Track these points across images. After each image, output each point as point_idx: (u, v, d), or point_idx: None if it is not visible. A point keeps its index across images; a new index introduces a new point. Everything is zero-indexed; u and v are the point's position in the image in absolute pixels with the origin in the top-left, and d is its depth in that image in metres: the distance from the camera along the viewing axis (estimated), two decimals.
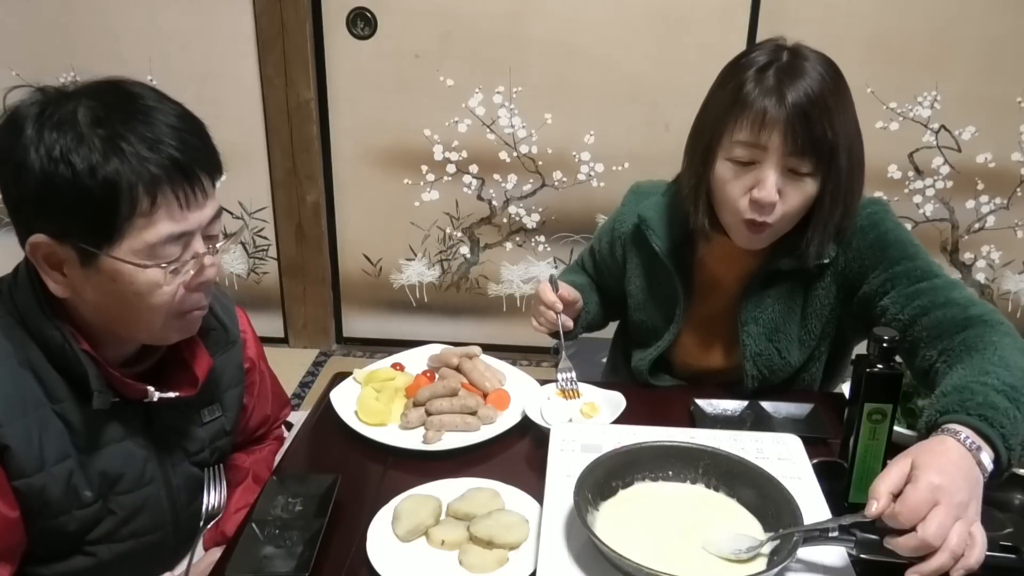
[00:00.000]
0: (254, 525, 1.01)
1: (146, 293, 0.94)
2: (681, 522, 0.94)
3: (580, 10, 2.53)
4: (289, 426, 1.42)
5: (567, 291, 1.39)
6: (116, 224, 0.90)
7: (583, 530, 0.87)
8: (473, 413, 1.25)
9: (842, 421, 1.13)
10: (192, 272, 0.97)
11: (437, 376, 1.37)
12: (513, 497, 1.07)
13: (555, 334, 1.38)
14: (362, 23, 2.59)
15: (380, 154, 2.76)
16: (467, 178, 2.77)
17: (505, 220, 2.82)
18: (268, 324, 2.97)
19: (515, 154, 2.72)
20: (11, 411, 0.95)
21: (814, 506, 0.95)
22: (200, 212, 0.96)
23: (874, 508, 0.83)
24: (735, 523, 0.94)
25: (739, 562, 0.88)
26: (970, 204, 2.69)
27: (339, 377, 1.37)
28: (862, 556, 0.87)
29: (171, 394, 1.06)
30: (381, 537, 1.01)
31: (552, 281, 1.39)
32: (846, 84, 1.21)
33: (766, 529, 0.93)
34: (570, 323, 1.40)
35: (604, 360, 1.72)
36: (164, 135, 0.92)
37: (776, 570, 0.84)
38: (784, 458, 1.04)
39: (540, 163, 2.73)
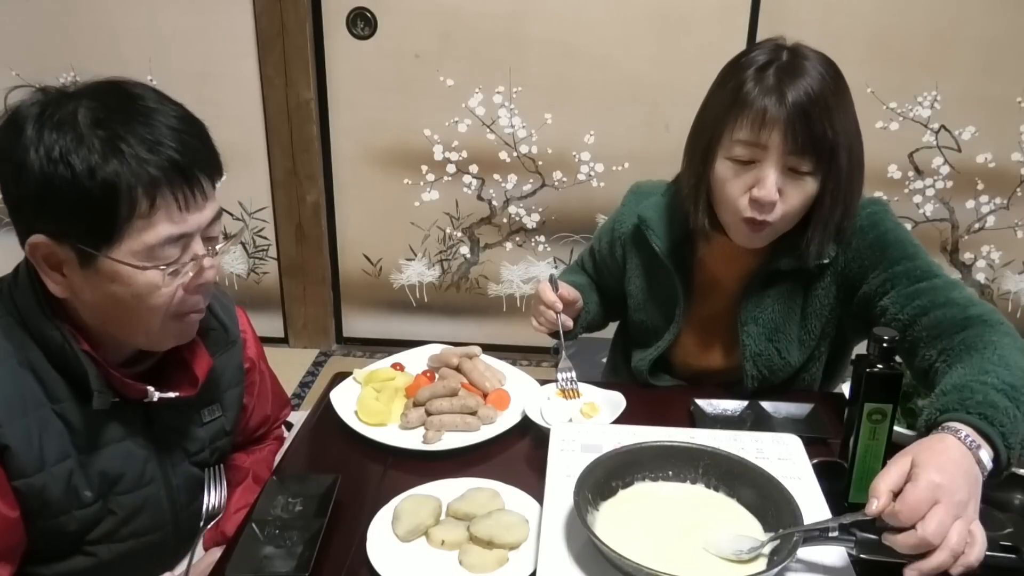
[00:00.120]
0: (254, 525, 1.01)
1: (145, 295, 0.94)
2: (681, 522, 0.94)
3: (580, 10, 2.53)
4: (289, 426, 1.42)
5: (567, 291, 1.39)
6: (115, 225, 0.90)
7: (583, 530, 0.87)
8: (473, 413, 1.25)
9: (842, 421, 1.13)
10: (191, 274, 0.97)
11: (437, 376, 1.37)
12: (513, 497, 1.07)
13: (555, 334, 1.38)
14: (362, 23, 2.59)
15: (380, 154, 2.76)
16: (467, 178, 2.77)
17: (505, 220, 2.82)
18: (268, 324, 2.98)
19: (515, 154, 2.72)
20: (11, 411, 0.95)
21: (814, 506, 0.95)
22: (200, 214, 0.96)
23: (874, 506, 0.83)
24: (735, 523, 0.94)
25: (739, 562, 0.88)
26: (970, 204, 2.69)
27: (339, 377, 1.37)
28: (862, 556, 0.87)
29: (171, 394, 1.06)
30: (381, 537, 1.01)
31: (552, 281, 1.39)
32: (846, 83, 1.21)
33: (766, 529, 0.93)
34: (570, 323, 1.40)
35: (604, 360, 1.72)
36: (164, 137, 0.92)
37: (776, 570, 0.84)
38: (784, 458, 1.04)
39: (540, 163, 2.73)
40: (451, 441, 1.21)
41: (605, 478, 0.97)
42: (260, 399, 1.30)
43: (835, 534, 0.86)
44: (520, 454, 1.22)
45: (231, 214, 2.82)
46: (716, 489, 0.99)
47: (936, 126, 2.59)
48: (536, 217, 2.81)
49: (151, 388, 1.03)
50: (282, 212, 2.84)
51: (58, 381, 0.98)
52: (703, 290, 1.41)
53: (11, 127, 0.90)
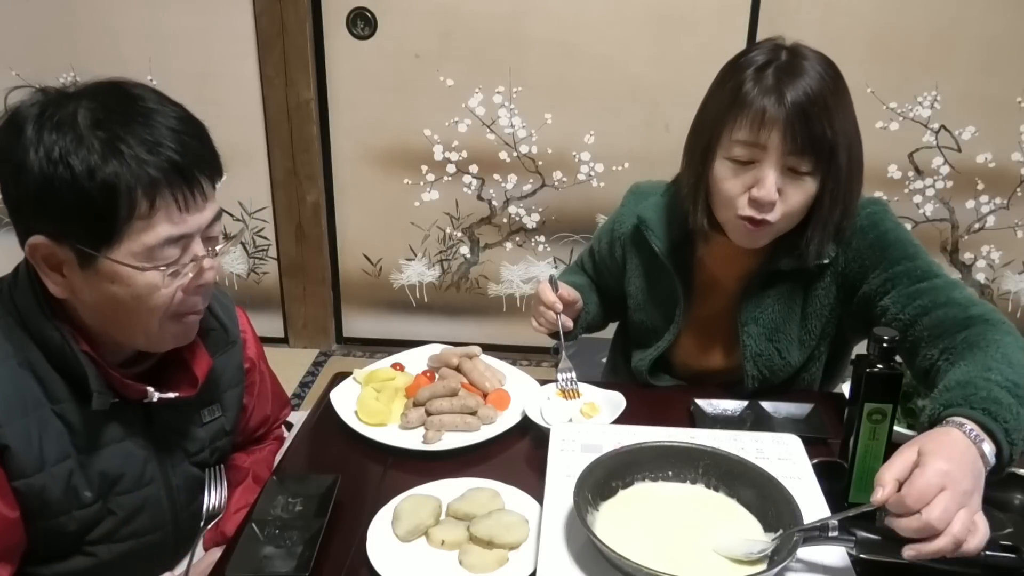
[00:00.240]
0: (254, 525, 1.01)
1: (144, 295, 0.94)
2: (681, 522, 0.94)
3: (580, 10, 2.53)
4: (289, 426, 1.42)
5: (567, 291, 1.39)
6: (114, 226, 0.90)
7: (583, 530, 0.87)
8: (473, 413, 1.25)
9: (842, 421, 1.13)
10: (191, 275, 0.97)
11: (437, 376, 1.37)
12: (513, 497, 1.07)
13: (555, 334, 1.38)
14: (362, 23, 2.59)
15: (380, 154, 2.76)
16: (467, 178, 2.77)
17: (505, 220, 2.82)
18: (268, 324, 2.97)
19: (515, 154, 2.72)
20: (11, 411, 0.95)
21: (814, 506, 0.95)
22: (199, 215, 0.96)
23: (879, 495, 0.83)
24: (735, 523, 0.94)
25: (739, 562, 0.88)
26: (970, 204, 2.69)
27: (339, 377, 1.37)
28: (862, 556, 0.87)
29: (171, 394, 1.06)
30: (381, 537, 1.01)
31: (552, 281, 1.39)
32: (845, 83, 1.21)
33: (766, 529, 0.93)
34: (570, 323, 1.40)
35: (604, 360, 1.72)
36: (164, 138, 0.91)
37: (776, 570, 0.84)
38: (784, 458, 1.04)
39: (540, 163, 2.73)
40: (451, 441, 1.21)
41: (605, 478, 0.97)
42: (260, 399, 1.30)
43: (835, 533, 0.87)
44: (520, 454, 1.22)
45: (231, 214, 2.82)
46: (716, 489, 0.99)
47: (936, 126, 2.59)
48: (536, 217, 2.81)
49: (151, 388, 1.03)
50: (282, 212, 2.84)
51: (58, 381, 0.98)
52: (703, 290, 1.41)
53: (11, 127, 0.90)
